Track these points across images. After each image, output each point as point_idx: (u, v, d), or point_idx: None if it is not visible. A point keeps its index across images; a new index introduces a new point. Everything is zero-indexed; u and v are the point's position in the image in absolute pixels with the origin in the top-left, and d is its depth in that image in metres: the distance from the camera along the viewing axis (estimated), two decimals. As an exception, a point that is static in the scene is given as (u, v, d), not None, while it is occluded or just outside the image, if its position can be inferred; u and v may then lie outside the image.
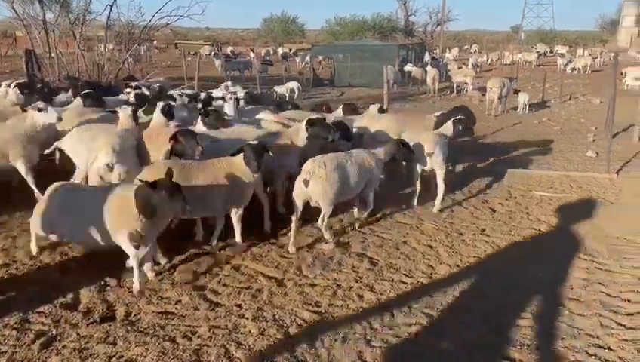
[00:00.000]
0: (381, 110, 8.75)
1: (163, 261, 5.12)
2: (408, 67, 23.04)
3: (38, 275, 4.84)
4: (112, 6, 11.76)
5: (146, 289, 4.62)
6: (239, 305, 4.39)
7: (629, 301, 4.51)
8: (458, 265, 5.20)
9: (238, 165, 5.20)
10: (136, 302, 4.38)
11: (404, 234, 6.07)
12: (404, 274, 4.99)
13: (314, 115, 6.97)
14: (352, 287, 4.70)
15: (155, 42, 47.34)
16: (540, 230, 6.25)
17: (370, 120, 8.02)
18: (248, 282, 4.81)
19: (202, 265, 5.13)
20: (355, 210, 6.39)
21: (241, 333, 3.95)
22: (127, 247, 4.47)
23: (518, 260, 5.38)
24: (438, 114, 8.09)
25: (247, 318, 4.16)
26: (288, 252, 5.47)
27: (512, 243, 5.84)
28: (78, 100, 7.91)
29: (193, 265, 5.11)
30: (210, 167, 5.22)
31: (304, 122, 6.25)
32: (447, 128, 7.06)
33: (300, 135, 6.27)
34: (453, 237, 5.98)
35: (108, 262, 4.93)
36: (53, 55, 11.87)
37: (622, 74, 21.83)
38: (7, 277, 4.74)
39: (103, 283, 4.70)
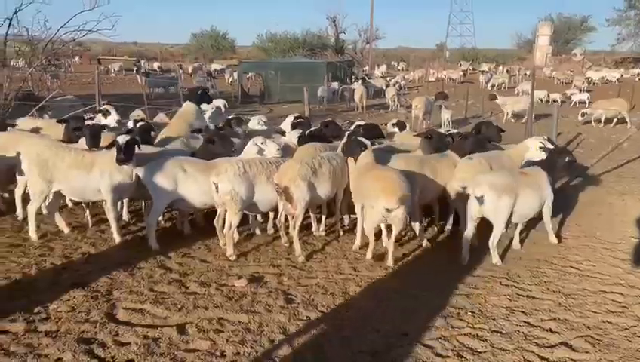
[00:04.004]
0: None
1: None
2: (355, 85, 23.17)
3: None
4: (11, 20, 10.74)
5: (21, 345, 3.96)
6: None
7: (550, 330, 4.35)
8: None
9: None
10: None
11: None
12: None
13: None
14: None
15: (77, 58, 45.11)
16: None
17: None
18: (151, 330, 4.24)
19: (92, 312, 4.50)
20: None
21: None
22: None
23: (426, 287, 5.15)
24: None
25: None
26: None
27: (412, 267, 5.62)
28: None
29: (83, 314, 4.48)
30: None
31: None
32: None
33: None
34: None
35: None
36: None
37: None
38: None
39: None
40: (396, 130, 8.52)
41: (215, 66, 40.51)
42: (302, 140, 6.74)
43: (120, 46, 67.74)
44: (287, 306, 4.67)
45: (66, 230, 6.38)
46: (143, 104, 15.43)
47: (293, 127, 7.88)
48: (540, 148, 6.48)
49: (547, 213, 6.09)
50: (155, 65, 40.96)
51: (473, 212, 5.68)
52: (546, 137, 6.82)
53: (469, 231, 5.77)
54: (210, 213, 6.49)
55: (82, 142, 6.55)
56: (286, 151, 6.70)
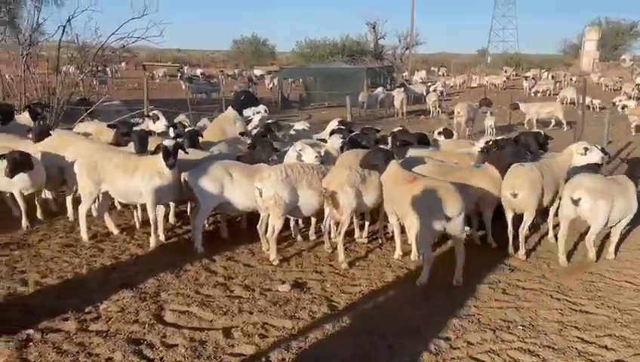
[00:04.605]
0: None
1: None
2: (395, 91, 22.86)
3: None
4: (64, 27, 11.19)
5: (73, 343, 4.07)
6: (179, 364, 3.87)
7: (606, 347, 4.16)
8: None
9: None
10: (60, 362, 3.82)
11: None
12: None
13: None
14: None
15: (123, 64, 46.48)
16: (509, 264, 5.92)
17: None
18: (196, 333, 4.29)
19: (141, 313, 4.59)
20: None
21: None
22: None
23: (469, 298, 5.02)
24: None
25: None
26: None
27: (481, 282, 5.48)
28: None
29: (132, 314, 4.57)
30: None
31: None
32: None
33: None
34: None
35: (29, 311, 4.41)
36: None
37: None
38: None
39: (24, 337, 4.12)
40: (441, 138, 8.29)
41: (256, 72, 40.96)
42: (345, 147, 6.71)
43: (164, 52, 69.37)
44: (331, 313, 4.65)
45: (115, 231, 6.55)
46: (187, 109, 15.76)
47: (332, 133, 7.86)
48: (580, 153, 6.36)
49: (623, 224, 6.01)
50: (198, 71, 41.73)
51: (567, 213, 5.71)
52: (599, 146, 6.58)
53: (563, 231, 5.80)
54: (253, 216, 6.55)
55: (131, 145, 6.75)
56: (327, 158, 6.69)
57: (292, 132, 8.86)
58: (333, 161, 6.63)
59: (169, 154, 5.71)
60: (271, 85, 30.86)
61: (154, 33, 11.42)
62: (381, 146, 5.76)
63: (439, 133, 8.49)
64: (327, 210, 5.91)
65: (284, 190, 5.64)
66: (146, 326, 4.36)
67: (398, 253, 6.02)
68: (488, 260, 5.98)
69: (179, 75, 35.62)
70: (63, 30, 11.35)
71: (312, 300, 4.90)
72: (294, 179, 5.74)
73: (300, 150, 6.42)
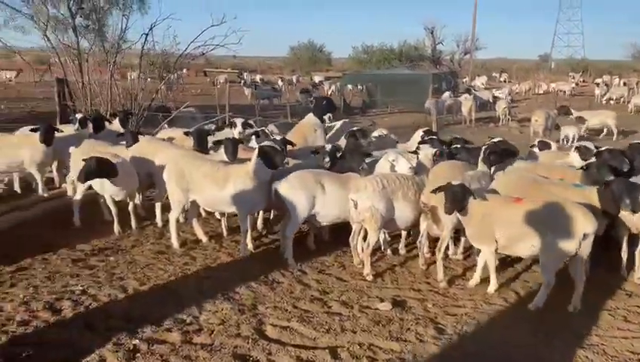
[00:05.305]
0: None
1: None
2: (463, 97, 22.08)
3: (55, 334, 4.25)
4: (147, 35, 11.51)
5: (180, 357, 4.00)
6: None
7: None
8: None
9: None
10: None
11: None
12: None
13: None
14: None
15: (185, 70, 47.82)
16: (624, 289, 5.45)
17: None
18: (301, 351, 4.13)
19: (242, 327, 4.48)
20: None
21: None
22: None
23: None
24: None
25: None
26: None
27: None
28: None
29: (233, 327, 4.47)
30: None
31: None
32: None
33: None
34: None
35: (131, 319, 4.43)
36: (86, 83, 11.60)
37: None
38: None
39: (131, 347, 4.10)
40: (536, 150, 7.73)
41: (315, 78, 41.12)
42: (440, 158, 6.43)
43: (222, 59, 70.87)
44: (440, 337, 4.37)
45: (204, 239, 6.54)
46: (255, 115, 15.88)
47: (422, 143, 7.54)
48: None
49: None
50: (258, 77, 42.33)
51: None
52: None
53: None
54: (335, 228, 6.38)
55: (212, 153, 6.77)
56: (419, 168, 6.43)
57: (372, 139, 8.66)
58: (425, 171, 6.36)
59: (272, 156, 5.67)
60: (330, 91, 30.79)
61: (232, 40, 11.55)
62: (455, 183, 4.99)
63: (533, 146, 7.86)
64: (423, 225, 5.66)
65: (381, 202, 5.43)
66: (250, 341, 4.24)
67: (492, 287, 5.29)
68: (599, 284, 5.49)
69: (241, 81, 36.15)
70: (146, 38, 11.67)
71: (417, 321, 4.65)
72: (390, 191, 5.53)
73: (393, 160, 6.20)
